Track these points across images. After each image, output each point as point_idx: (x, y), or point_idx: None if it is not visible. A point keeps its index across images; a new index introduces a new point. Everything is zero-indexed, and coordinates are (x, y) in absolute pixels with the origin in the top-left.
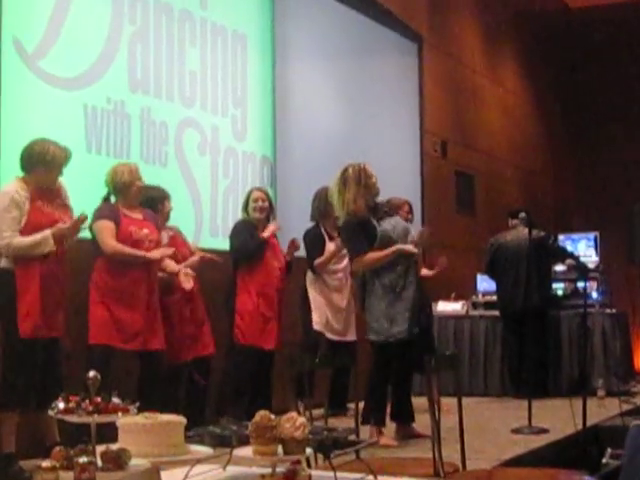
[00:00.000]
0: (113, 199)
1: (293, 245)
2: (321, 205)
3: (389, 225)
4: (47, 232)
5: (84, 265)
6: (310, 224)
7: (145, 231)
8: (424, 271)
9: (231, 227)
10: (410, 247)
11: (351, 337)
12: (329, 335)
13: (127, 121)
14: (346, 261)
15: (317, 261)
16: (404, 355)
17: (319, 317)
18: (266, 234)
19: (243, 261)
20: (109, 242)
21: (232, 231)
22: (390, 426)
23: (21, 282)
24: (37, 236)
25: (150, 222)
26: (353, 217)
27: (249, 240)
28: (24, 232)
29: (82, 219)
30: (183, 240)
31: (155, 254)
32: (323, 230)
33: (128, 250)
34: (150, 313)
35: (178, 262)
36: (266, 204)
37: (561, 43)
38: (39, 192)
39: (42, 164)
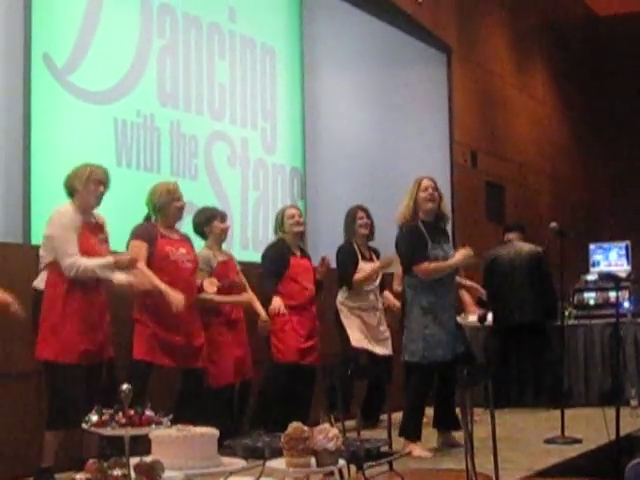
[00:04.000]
0: (153, 217)
1: (324, 263)
2: (347, 223)
3: (442, 251)
4: (110, 259)
5: None
6: (340, 236)
7: (182, 251)
8: (466, 281)
9: (261, 239)
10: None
11: (388, 351)
12: (369, 348)
13: (157, 134)
14: (377, 282)
15: (357, 276)
16: (446, 374)
17: (354, 334)
18: (274, 309)
19: None
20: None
21: (265, 252)
22: (426, 437)
23: (46, 303)
24: (102, 261)
25: (187, 242)
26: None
27: (271, 281)
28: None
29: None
30: (235, 267)
31: (172, 299)
32: (356, 248)
33: (146, 278)
34: (192, 331)
35: (227, 291)
36: (302, 219)
37: (590, 51)
38: (85, 222)
39: (91, 182)
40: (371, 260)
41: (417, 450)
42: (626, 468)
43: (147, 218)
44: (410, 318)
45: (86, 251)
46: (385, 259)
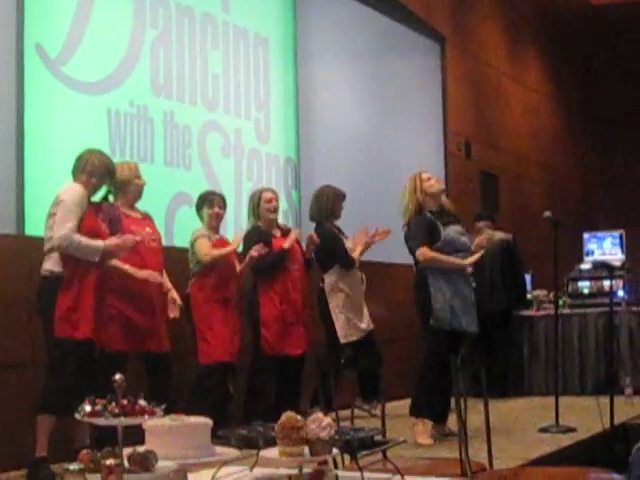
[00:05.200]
0: (111, 198)
1: (312, 241)
2: (329, 204)
3: (454, 232)
4: (100, 243)
5: None
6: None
7: (147, 230)
8: None
9: None
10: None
11: (371, 326)
12: (355, 338)
13: (150, 125)
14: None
15: (356, 254)
16: (454, 348)
17: (342, 328)
18: (287, 245)
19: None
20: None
21: (245, 240)
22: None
23: (67, 284)
24: (91, 242)
25: (150, 221)
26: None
27: (268, 253)
28: (79, 231)
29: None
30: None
31: (143, 274)
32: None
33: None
34: (156, 316)
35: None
36: (278, 203)
37: (584, 40)
38: (90, 202)
39: (84, 174)
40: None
41: (422, 437)
42: (633, 450)
43: (105, 198)
44: (435, 289)
45: (92, 229)
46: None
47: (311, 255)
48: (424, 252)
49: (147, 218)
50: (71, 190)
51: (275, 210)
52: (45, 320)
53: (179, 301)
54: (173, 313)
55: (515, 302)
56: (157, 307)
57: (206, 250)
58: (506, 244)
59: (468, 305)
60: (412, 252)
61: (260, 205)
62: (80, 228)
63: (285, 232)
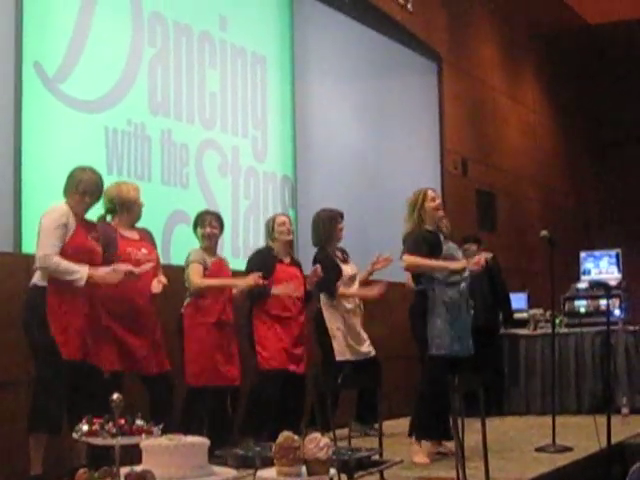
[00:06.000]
0: (109, 218)
1: (315, 274)
2: (326, 228)
3: (453, 249)
4: (84, 271)
5: None
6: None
7: (144, 251)
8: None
9: (252, 248)
10: (461, 264)
11: (372, 352)
12: (352, 357)
13: (148, 143)
14: (357, 284)
15: (343, 291)
16: (452, 372)
17: (339, 345)
18: (275, 291)
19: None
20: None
21: (251, 257)
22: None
23: (53, 302)
24: (75, 267)
25: (147, 242)
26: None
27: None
28: (66, 250)
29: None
30: (228, 269)
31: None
32: (332, 253)
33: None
34: (150, 337)
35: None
36: (292, 227)
37: (581, 60)
38: (79, 220)
39: (77, 194)
40: (345, 261)
41: (419, 457)
42: (630, 470)
43: (102, 218)
44: (434, 313)
45: (80, 246)
46: (370, 289)
47: (312, 287)
48: (406, 258)
49: (144, 238)
50: (51, 211)
51: (289, 232)
52: (27, 332)
53: (164, 281)
54: (156, 289)
55: (500, 320)
56: (149, 328)
57: (197, 279)
58: (485, 262)
59: (466, 331)
60: None
61: (275, 228)
62: (67, 246)
63: (294, 261)
